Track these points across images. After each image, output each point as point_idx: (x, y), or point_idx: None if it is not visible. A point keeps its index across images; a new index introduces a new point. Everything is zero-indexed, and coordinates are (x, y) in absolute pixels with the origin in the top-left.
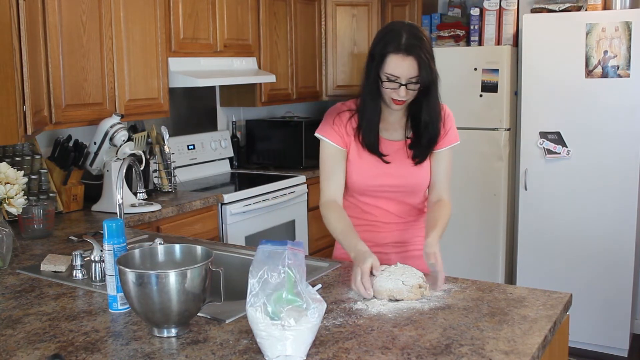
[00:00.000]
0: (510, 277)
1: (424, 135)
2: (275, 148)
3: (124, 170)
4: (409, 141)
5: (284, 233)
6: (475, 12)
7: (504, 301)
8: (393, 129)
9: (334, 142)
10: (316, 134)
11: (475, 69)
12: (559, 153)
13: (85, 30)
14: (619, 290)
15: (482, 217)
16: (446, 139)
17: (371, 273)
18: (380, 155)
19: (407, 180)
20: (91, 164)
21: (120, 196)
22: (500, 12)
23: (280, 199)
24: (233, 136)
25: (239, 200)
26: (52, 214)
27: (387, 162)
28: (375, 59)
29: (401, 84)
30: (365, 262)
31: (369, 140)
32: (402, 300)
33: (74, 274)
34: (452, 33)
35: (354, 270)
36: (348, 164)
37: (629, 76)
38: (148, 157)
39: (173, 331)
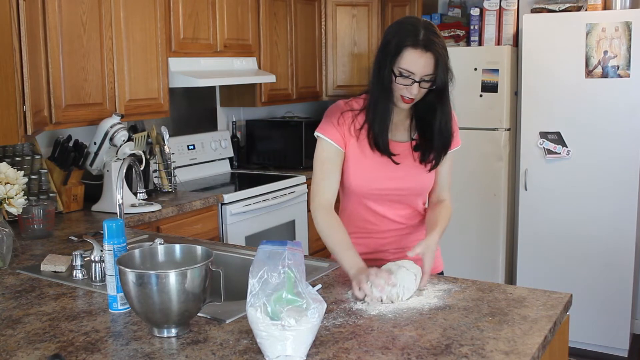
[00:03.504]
0: (510, 277)
1: (436, 139)
2: (275, 148)
3: (124, 170)
4: (414, 143)
5: (284, 233)
6: (475, 12)
7: (504, 301)
8: (397, 130)
9: (336, 142)
10: (317, 133)
11: (475, 69)
12: (559, 153)
13: (85, 30)
14: (619, 290)
15: (482, 217)
16: (452, 143)
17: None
18: (390, 154)
19: (413, 182)
20: (91, 164)
21: (120, 196)
22: (500, 12)
23: (280, 199)
24: (233, 136)
25: (239, 200)
26: (52, 214)
27: (396, 163)
28: (389, 52)
29: (415, 81)
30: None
31: (381, 141)
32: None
33: (74, 274)
34: (452, 33)
35: (360, 278)
36: (350, 165)
37: (629, 76)
38: (148, 157)
39: (173, 331)
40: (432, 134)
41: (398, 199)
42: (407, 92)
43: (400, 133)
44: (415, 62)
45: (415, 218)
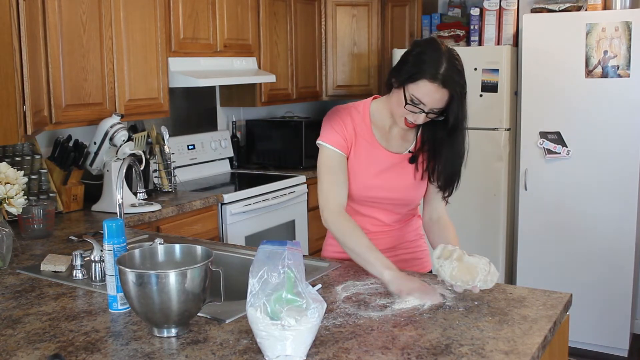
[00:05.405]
0: (510, 277)
1: (446, 174)
2: (275, 148)
3: (124, 170)
4: (409, 155)
5: (284, 233)
6: (475, 12)
7: (504, 301)
8: (394, 140)
9: (338, 148)
10: (318, 142)
11: (475, 69)
12: (559, 153)
13: (85, 30)
14: (619, 290)
15: (482, 217)
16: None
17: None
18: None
19: (403, 194)
20: (91, 164)
21: (120, 196)
22: (500, 12)
23: (280, 199)
24: (233, 136)
25: (239, 200)
26: (52, 214)
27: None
28: (406, 73)
29: (423, 111)
30: (415, 281)
31: None
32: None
33: (74, 274)
34: (452, 33)
35: (408, 288)
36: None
37: (629, 76)
38: (148, 157)
39: (173, 331)
40: (443, 169)
41: (388, 207)
42: (412, 118)
43: (397, 144)
44: (429, 95)
45: (404, 220)
